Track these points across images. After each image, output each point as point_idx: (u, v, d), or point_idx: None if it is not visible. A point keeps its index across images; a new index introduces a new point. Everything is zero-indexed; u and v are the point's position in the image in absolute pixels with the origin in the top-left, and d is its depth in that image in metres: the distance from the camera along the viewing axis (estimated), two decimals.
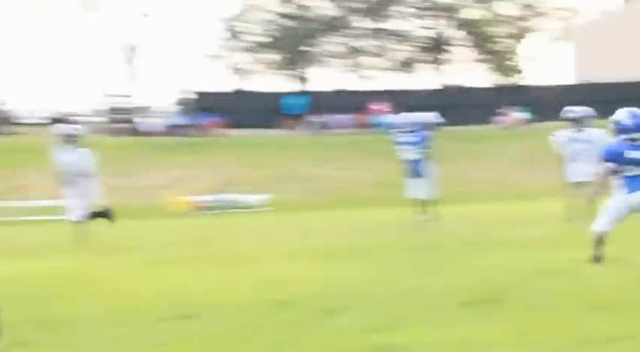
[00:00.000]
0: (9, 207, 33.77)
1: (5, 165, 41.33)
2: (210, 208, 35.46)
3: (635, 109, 11.98)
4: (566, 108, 19.96)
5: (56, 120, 57.14)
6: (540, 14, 72.78)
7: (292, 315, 8.98)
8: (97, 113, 58.81)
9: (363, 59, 72.17)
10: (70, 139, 19.30)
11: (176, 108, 59.96)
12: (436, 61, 72.25)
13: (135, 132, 53.29)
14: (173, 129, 53.66)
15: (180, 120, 55.68)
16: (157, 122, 55.87)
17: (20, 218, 32.48)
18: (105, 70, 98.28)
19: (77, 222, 19.09)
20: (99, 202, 19.63)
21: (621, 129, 11.79)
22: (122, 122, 55.41)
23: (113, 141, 48.91)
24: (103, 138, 50.07)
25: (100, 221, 19.76)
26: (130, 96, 61.44)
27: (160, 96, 72.11)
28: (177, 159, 44.11)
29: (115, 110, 57.96)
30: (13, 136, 51.26)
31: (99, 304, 10.05)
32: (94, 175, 19.29)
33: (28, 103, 60.58)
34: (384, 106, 56.44)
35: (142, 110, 59.58)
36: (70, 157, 19.05)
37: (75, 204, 19.06)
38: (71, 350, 7.68)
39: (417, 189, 21.67)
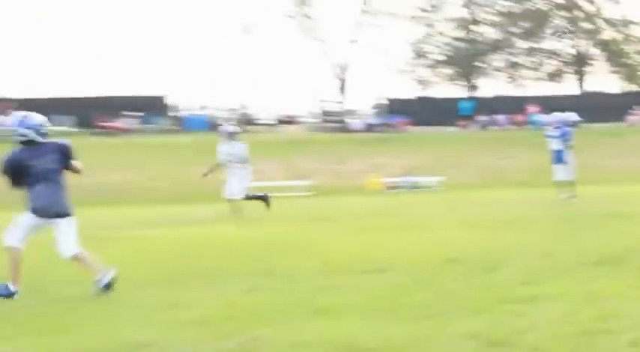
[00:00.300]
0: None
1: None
2: (398, 188, 35.50)
3: None
4: None
5: (282, 122, 58.37)
6: None
7: (459, 270, 8.97)
8: (314, 115, 59.48)
9: (519, 71, 70.93)
10: (231, 135, 19.32)
11: (374, 111, 60.09)
12: (578, 73, 70.32)
13: (343, 129, 53.71)
14: (371, 127, 53.85)
15: (377, 121, 55.83)
16: (360, 122, 56.14)
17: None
18: (320, 81, 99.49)
19: (231, 200, 18.74)
20: (251, 185, 19.42)
21: None
22: (334, 122, 55.89)
23: (327, 137, 49.44)
24: (318, 135, 50.73)
25: (258, 203, 19.27)
26: (340, 102, 61.94)
27: (362, 101, 72.53)
28: (374, 150, 44.18)
29: (328, 113, 58.51)
30: (252, 133, 52.34)
31: (314, 260, 10.24)
32: (248, 163, 19.22)
33: (262, 107, 61.70)
34: (536, 108, 55.34)
35: (349, 113, 59.94)
36: (230, 149, 18.96)
37: (233, 186, 18.82)
38: (293, 295, 7.83)
39: (561, 173, 21.28)
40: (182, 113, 56.78)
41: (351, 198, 29.28)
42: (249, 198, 19.13)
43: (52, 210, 8.32)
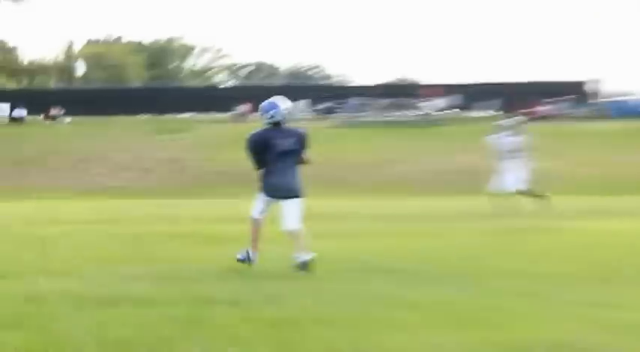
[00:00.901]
0: None
1: None
2: None
3: None
4: None
5: None
6: None
7: None
8: None
9: None
10: (510, 127, 15.88)
11: None
12: None
13: None
14: None
15: None
16: None
17: None
18: None
19: (501, 192, 15.16)
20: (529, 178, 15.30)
21: None
22: None
23: None
24: None
25: (530, 199, 15.10)
26: None
27: None
28: None
29: None
30: None
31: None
32: (527, 154, 15.51)
33: None
34: None
35: None
36: (508, 140, 15.47)
37: (510, 177, 15.16)
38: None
39: None
40: (607, 99, 50.34)
41: None
42: (527, 193, 15.30)
43: (282, 191, 7.80)
